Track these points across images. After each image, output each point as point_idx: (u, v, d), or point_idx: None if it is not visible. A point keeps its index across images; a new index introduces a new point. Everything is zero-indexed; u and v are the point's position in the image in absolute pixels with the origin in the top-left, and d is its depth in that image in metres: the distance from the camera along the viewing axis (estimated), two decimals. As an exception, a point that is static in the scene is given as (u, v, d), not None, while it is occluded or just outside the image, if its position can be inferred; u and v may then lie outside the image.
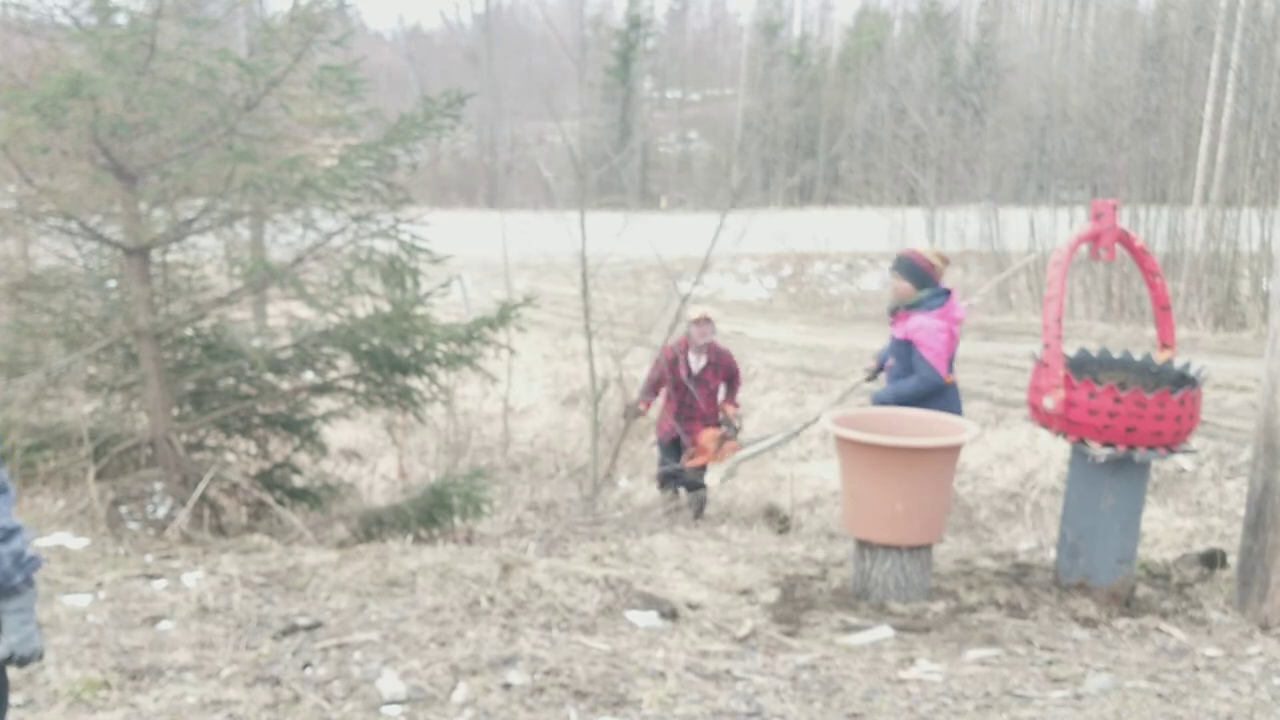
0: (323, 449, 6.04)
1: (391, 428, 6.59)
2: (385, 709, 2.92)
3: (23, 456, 4.96)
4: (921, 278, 5.11)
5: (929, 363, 4.95)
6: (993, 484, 8.53)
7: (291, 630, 3.50)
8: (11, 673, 3.04)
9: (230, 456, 5.78)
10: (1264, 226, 17.28)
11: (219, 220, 5.28)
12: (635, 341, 10.08)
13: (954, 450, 4.18)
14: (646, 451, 9.62)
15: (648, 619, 3.84)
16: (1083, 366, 4.39)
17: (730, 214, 9.20)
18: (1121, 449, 3.99)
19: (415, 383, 5.70)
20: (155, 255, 5.30)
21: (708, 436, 7.16)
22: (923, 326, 4.99)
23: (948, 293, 5.11)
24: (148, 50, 4.60)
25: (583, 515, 7.50)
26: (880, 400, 5.16)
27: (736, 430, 7.27)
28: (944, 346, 5.00)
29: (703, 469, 7.21)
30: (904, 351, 5.08)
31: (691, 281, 8.85)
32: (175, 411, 5.33)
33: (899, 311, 5.14)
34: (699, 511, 7.26)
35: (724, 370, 7.31)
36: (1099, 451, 4.01)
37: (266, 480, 5.63)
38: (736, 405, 7.38)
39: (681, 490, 7.37)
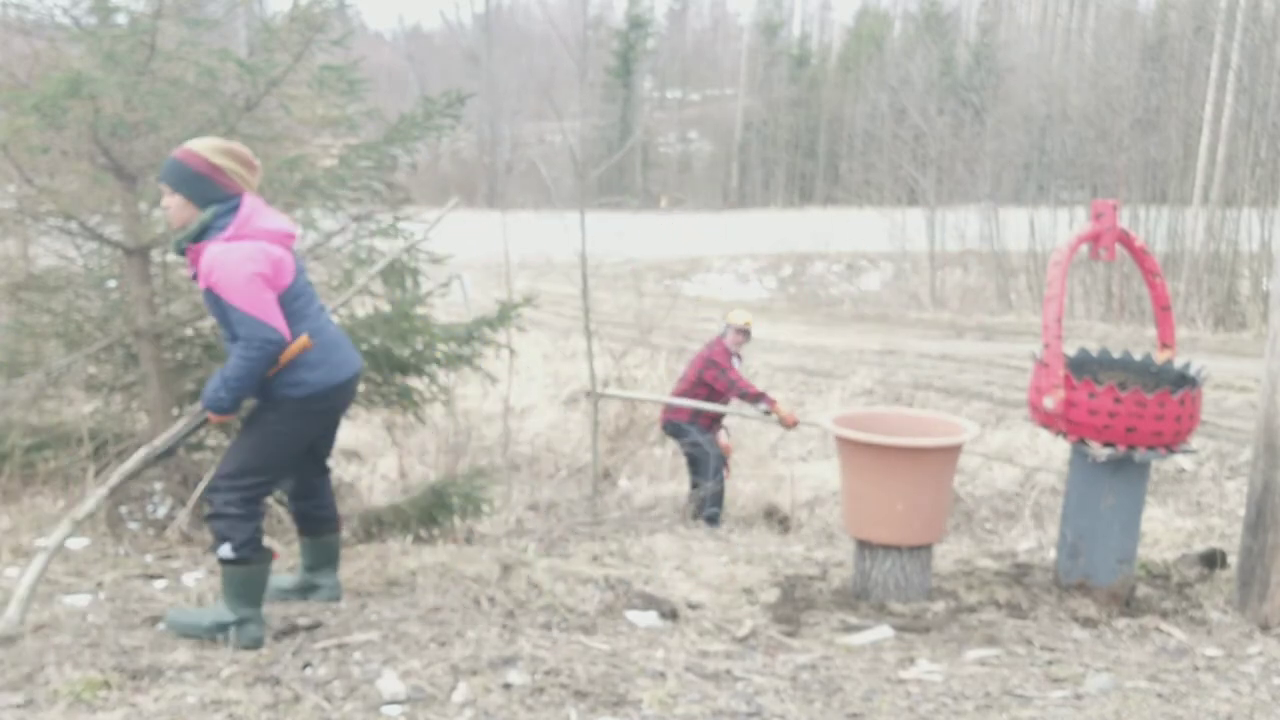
0: (322, 449, 6.03)
1: (391, 428, 6.59)
2: (385, 709, 2.92)
3: (23, 456, 4.96)
4: (203, 187, 3.33)
5: (248, 316, 3.22)
6: (993, 484, 8.54)
7: (291, 630, 3.50)
8: (12, 672, 3.04)
9: (230, 456, 5.78)
10: (1264, 226, 17.31)
11: (219, 220, 5.28)
12: (635, 341, 10.09)
13: (954, 450, 4.19)
14: (647, 453, 9.63)
15: (648, 619, 3.84)
16: (1083, 366, 4.40)
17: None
18: (1121, 449, 3.99)
19: (415, 383, 5.70)
20: (155, 255, 5.30)
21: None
22: (217, 262, 3.22)
23: (237, 202, 3.33)
24: (148, 50, 4.60)
25: (583, 515, 7.51)
26: (206, 397, 3.46)
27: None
28: (255, 282, 3.21)
29: (707, 467, 7.29)
30: (216, 308, 3.38)
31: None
32: (175, 411, 5.33)
33: (187, 246, 3.38)
34: (698, 511, 7.27)
35: None
36: (1099, 451, 4.01)
37: (266, 480, 5.63)
38: None
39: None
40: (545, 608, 3.88)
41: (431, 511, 5.54)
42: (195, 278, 3.38)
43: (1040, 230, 21.00)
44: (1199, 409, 4.11)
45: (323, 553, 3.78)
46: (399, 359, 5.54)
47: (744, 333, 7.28)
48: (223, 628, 3.34)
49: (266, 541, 3.51)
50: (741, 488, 8.31)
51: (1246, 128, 18.31)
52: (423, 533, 5.54)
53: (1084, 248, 4.33)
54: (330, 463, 3.81)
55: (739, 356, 7.35)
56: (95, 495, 3.65)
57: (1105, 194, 19.31)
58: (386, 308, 5.41)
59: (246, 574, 3.36)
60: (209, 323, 5.66)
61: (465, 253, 8.96)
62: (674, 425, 7.42)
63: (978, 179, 24.23)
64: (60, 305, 5.34)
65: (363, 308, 5.46)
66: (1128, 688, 3.24)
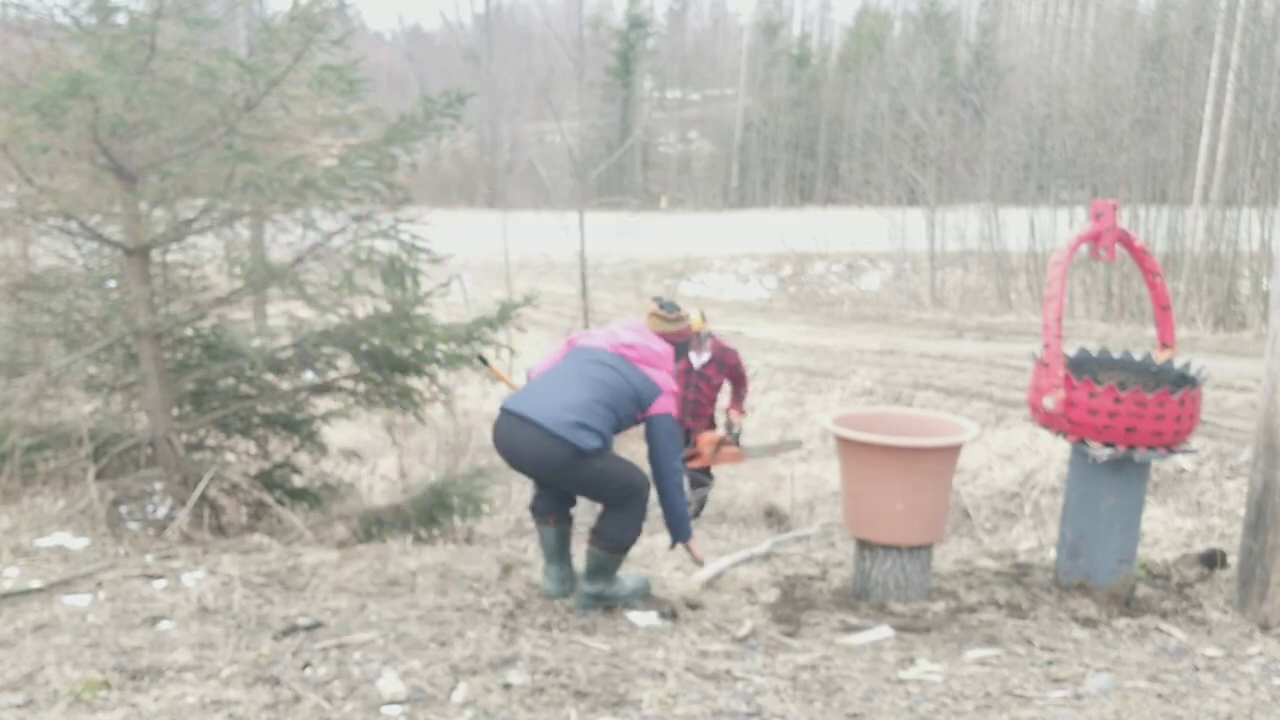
0: (323, 449, 6.04)
1: (391, 428, 6.60)
2: (385, 709, 2.92)
3: (23, 456, 4.96)
4: None
5: None
6: (993, 484, 8.54)
7: (291, 630, 3.50)
8: (12, 672, 3.04)
9: (230, 456, 5.78)
10: (1264, 226, 17.28)
11: (219, 220, 5.29)
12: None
13: (954, 450, 4.18)
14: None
15: (648, 619, 3.84)
16: (1083, 366, 4.39)
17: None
18: (1121, 449, 3.99)
19: (415, 383, 5.70)
20: (155, 255, 5.30)
21: (705, 440, 7.09)
22: None
23: None
24: (148, 50, 4.60)
25: (583, 515, 7.50)
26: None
27: (736, 436, 7.18)
28: None
29: (707, 467, 7.19)
30: None
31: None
32: (175, 411, 5.33)
33: None
34: (698, 510, 7.26)
35: (727, 369, 7.22)
36: (1099, 451, 4.01)
37: (266, 480, 5.63)
38: (741, 411, 7.27)
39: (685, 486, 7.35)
40: (545, 608, 3.88)
41: (431, 511, 5.55)
42: None
43: (1040, 230, 20.99)
44: (1199, 409, 4.11)
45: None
46: (399, 359, 5.54)
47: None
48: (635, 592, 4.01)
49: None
50: (741, 488, 8.31)
51: (1246, 128, 18.28)
52: (423, 533, 5.54)
53: (1084, 248, 4.33)
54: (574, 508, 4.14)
55: (698, 352, 7.10)
56: None
57: (1105, 194, 19.29)
58: (386, 308, 5.41)
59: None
60: (209, 323, 5.67)
61: (465, 253, 8.97)
62: None
63: (978, 179, 24.20)
64: (60, 305, 5.35)
65: (363, 308, 5.47)
66: (1128, 688, 3.24)
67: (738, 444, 7.11)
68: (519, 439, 3.77)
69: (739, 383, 7.26)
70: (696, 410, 7.14)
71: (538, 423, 3.70)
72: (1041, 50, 36.61)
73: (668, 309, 4.11)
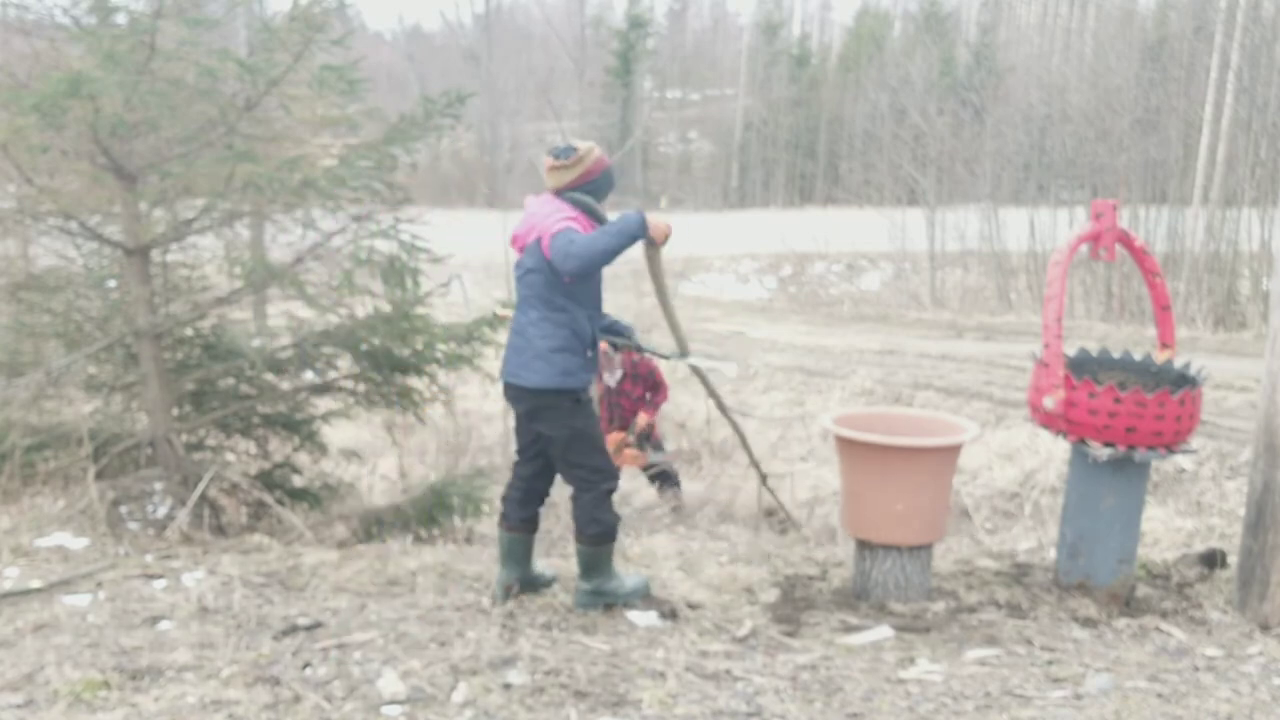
0: (323, 449, 6.04)
1: (391, 428, 6.60)
2: (385, 709, 2.92)
3: (23, 456, 4.97)
4: None
5: None
6: (993, 484, 8.53)
7: (291, 630, 3.50)
8: (12, 672, 3.04)
9: (230, 456, 5.78)
10: (1264, 226, 17.26)
11: (219, 220, 5.29)
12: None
13: (954, 450, 4.18)
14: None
15: (648, 619, 3.84)
16: (1083, 366, 4.40)
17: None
18: (1121, 449, 3.99)
19: (415, 383, 5.71)
20: (155, 255, 5.30)
21: (611, 439, 7.12)
22: None
23: None
24: (148, 50, 4.60)
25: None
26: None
27: (642, 438, 7.24)
28: None
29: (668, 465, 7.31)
30: None
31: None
32: (175, 411, 5.34)
33: None
34: (677, 507, 7.31)
35: (644, 381, 7.26)
36: (1099, 451, 4.01)
37: (266, 480, 5.63)
38: (650, 414, 7.28)
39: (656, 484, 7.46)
40: (545, 607, 3.88)
41: (431, 511, 5.55)
42: None
43: (1040, 230, 20.97)
44: (1199, 409, 4.11)
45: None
46: (399, 359, 5.54)
47: None
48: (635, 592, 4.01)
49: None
50: (741, 487, 8.30)
51: (1246, 128, 18.25)
52: (423, 533, 5.55)
53: (1084, 248, 4.33)
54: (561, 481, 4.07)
55: (610, 370, 7.22)
56: None
57: (1105, 194, 19.28)
58: (386, 308, 5.42)
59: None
60: (209, 323, 5.67)
61: (465, 253, 8.96)
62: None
63: (978, 179, 24.17)
64: (60, 305, 5.35)
65: (363, 308, 5.47)
66: (1128, 688, 3.24)
67: (641, 447, 7.21)
68: (518, 405, 3.92)
69: (654, 389, 7.30)
70: (625, 425, 7.20)
71: (514, 384, 3.86)
72: (1041, 50, 36.58)
73: (562, 155, 3.79)
